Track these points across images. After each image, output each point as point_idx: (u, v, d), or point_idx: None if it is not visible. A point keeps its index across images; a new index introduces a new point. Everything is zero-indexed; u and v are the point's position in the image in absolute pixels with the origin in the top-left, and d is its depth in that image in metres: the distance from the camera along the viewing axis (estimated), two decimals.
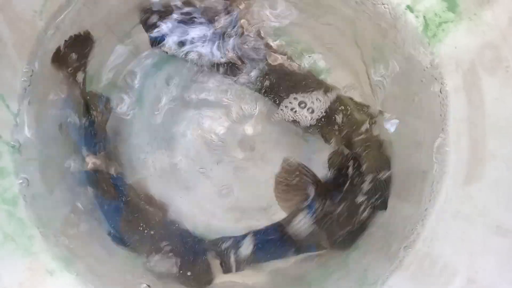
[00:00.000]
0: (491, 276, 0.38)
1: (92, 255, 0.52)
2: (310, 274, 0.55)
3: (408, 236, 0.50)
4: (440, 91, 0.48)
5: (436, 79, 0.48)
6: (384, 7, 0.51)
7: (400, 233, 0.50)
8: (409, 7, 0.49)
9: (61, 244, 0.50)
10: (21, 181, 0.49)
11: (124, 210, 0.52)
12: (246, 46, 0.52)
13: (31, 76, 0.49)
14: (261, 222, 0.54)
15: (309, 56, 0.55)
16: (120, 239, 0.52)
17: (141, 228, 0.52)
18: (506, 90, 0.39)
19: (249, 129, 0.56)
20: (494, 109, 0.41)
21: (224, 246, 0.52)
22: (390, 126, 0.53)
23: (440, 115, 0.48)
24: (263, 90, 0.53)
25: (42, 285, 0.46)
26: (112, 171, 0.53)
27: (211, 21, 0.52)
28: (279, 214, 0.53)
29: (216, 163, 0.56)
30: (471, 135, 0.45)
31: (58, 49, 0.50)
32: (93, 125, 0.52)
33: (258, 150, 0.56)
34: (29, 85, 0.49)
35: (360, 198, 0.50)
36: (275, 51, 0.53)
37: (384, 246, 0.51)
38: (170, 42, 0.53)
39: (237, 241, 0.52)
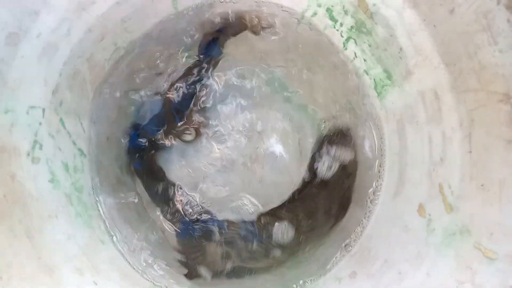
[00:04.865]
0: (398, 258, 0.57)
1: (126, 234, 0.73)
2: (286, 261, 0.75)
3: (357, 234, 0.69)
4: (382, 132, 0.68)
5: (378, 124, 0.68)
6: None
7: (351, 231, 0.70)
8: (365, 71, 0.69)
9: (108, 223, 0.71)
10: (85, 175, 0.70)
11: None
12: None
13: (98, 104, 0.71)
14: None
15: None
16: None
17: None
18: (416, 136, 0.59)
19: None
20: (411, 148, 0.61)
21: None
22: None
23: (381, 149, 0.68)
24: None
25: (97, 248, 0.66)
26: None
27: None
28: None
29: None
30: (399, 163, 0.65)
31: None
32: None
33: None
34: (96, 111, 0.71)
35: None
36: None
37: (341, 241, 0.71)
38: None
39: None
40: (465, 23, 0.41)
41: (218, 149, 0.74)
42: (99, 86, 0.69)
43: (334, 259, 0.69)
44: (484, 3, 0.38)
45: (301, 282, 0.70)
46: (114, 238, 0.70)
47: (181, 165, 0.74)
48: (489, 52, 0.39)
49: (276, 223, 0.70)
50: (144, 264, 0.70)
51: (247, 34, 0.74)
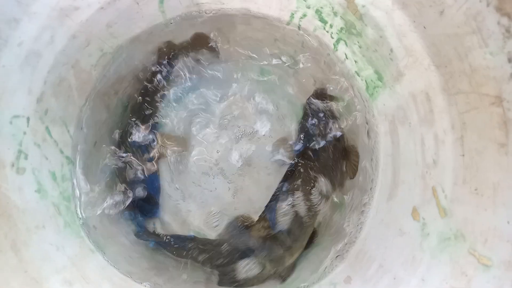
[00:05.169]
0: (393, 262, 0.56)
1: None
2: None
3: (352, 237, 0.69)
4: (376, 134, 0.67)
5: (374, 125, 0.67)
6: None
7: (346, 235, 0.69)
8: (356, 72, 0.68)
9: (98, 233, 0.70)
10: (72, 184, 0.69)
11: None
12: None
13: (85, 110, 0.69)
14: None
15: None
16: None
17: None
18: (409, 137, 0.59)
19: None
20: (403, 149, 0.61)
21: None
22: None
23: (374, 151, 0.67)
24: None
25: (87, 258, 0.64)
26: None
27: None
28: None
29: None
30: (393, 165, 0.64)
31: None
32: None
33: None
34: (83, 117, 0.69)
35: None
36: None
37: (335, 244, 0.70)
38: None
39: None
40: (455, 25, 0.40)
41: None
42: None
43: (329, 264, 0.68)
44: (473, 5, 0.37)
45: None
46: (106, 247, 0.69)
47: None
48: (480, 54, 0.39)
49: (240, 261, 0.69)
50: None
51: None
